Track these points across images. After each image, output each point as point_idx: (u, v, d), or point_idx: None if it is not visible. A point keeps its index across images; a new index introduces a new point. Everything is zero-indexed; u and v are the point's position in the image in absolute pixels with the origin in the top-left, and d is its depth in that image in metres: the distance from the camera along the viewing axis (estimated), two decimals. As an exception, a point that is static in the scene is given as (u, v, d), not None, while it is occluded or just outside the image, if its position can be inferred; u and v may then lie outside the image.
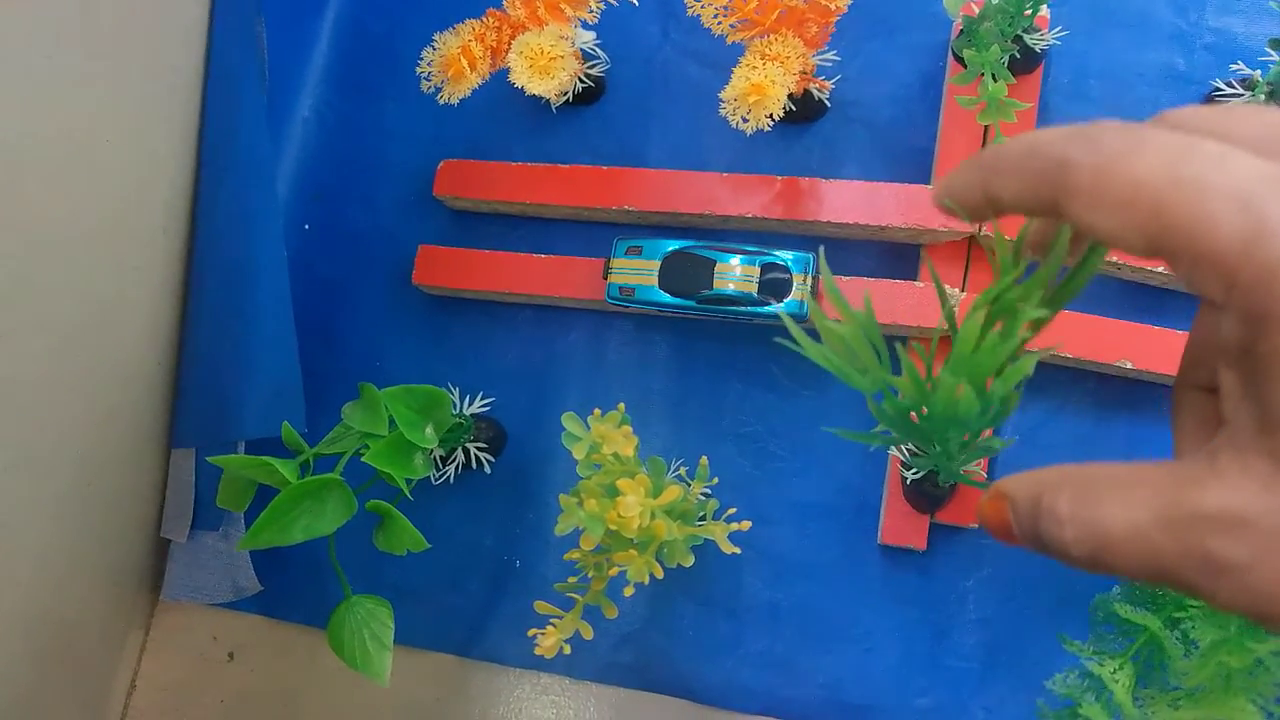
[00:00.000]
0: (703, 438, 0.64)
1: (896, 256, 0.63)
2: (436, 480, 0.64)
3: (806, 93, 0.64)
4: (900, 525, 0.60)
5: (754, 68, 0.53)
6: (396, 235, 0.69)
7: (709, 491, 0.60)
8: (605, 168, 0.65)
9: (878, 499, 0.61)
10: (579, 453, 0.50)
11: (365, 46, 0.73)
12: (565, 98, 0.67)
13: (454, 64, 0.55)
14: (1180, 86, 0.63)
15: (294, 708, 0.64)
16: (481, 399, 0.64)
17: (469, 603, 0.64)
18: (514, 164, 0.66)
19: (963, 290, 0.60)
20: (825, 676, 0.60)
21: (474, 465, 0.64)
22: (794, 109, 0.65)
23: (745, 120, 0.53)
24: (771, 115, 0.53)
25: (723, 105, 0.53)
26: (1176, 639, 0.45)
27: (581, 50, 0.67)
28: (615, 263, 0.62)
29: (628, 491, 0.47)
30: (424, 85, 0.56)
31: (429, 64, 0.56)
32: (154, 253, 0.61)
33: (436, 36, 0.56)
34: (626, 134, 0.68)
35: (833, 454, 0.62)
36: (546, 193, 0.65)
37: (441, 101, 0.57)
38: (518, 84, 0.54)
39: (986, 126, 0.62)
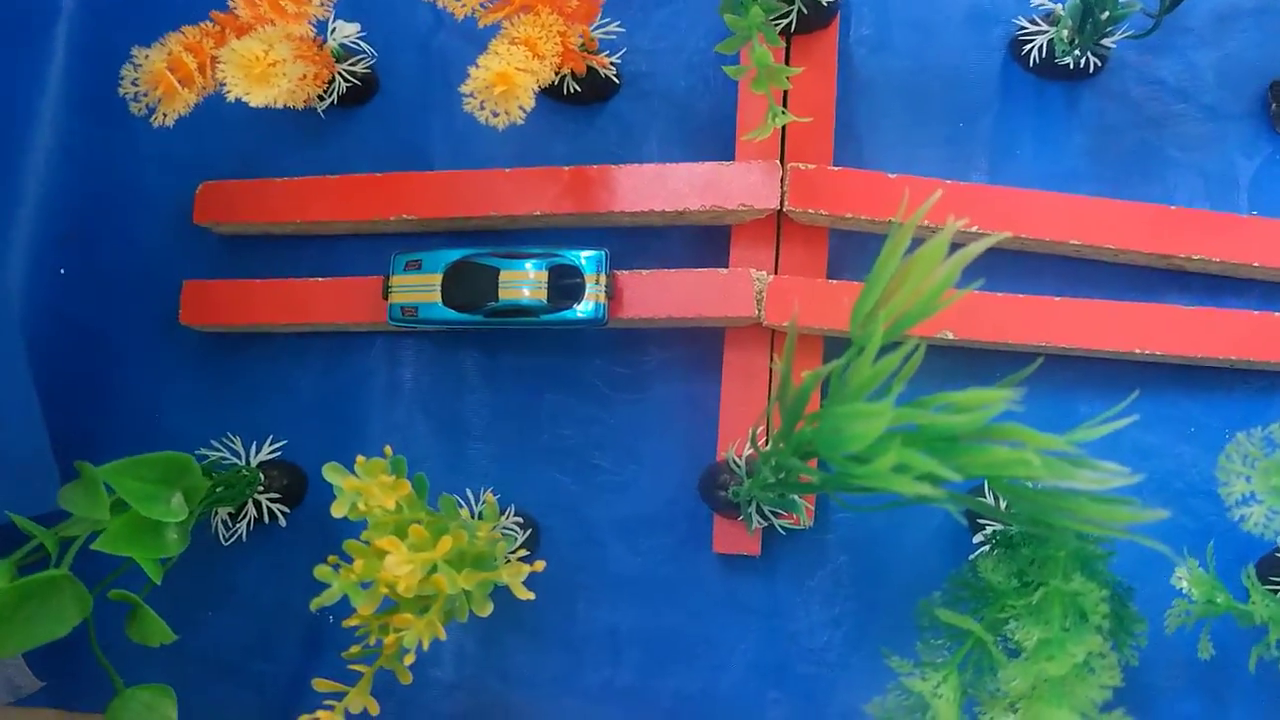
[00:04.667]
0: (520, 457, 0.59)
1: (704, 240, 0.58)
2: (227, 540, 0.58)
3: (591, 70, 0.59)
4: (733, 532, 0.55)
5: (497, 54, 0.47)
6: (160, 271, 0.61)
7: (513, 527, 0.55)
8: (377, 174, 0.59)
9: (707, 508, 0.56)
10: (338, 511, 0.44)
11: (107, 63, 0.64)
12: (330, 100, 0.60)
13: (162, 80, 0.48)
14: (985, 27, 0.59)
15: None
16: (270, 444, 0.58)
17: (282, 669, 0.58)
18: (277, 179, 0.60)
19: (774, 272, 0.55)
20: (672, 700, 0.56)
21: (267, 519, 0.57)
22: (579, 89, 0.59)
23: (496, 115, 0.47)
24: (522, 106, 0.47)
25: (466, 101, 0.47)
26: (1004, 648, 0.42)
27: (343, 46, 0.60)
28: (395, 280, 0.56)
29: (391, 550, 0.42)
30: (133, 107, 0.49)
31: (132, 83, 0.49)
32: None
33: (135, 51, 0.49)
34: (406, 133, 0.62)
35: (658, 462, 0.58)
36: (317, 208, 0.59)
37: (156, 124, 0.50)
38: (234, 97, 0.47)
39: (786, 92, 0.57)
